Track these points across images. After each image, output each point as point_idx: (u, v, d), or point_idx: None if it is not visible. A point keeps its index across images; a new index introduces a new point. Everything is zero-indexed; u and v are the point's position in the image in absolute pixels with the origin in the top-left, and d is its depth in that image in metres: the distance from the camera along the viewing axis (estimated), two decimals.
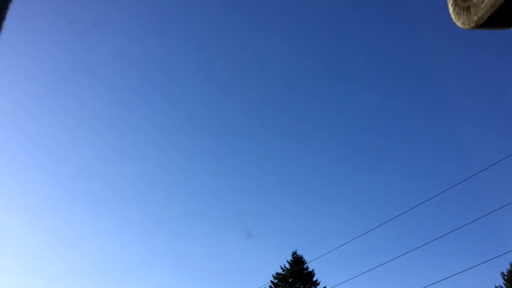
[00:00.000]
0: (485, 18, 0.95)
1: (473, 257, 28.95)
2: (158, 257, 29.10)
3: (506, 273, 25.12)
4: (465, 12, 1.00)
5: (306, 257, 27.19)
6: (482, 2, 0.94)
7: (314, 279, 26.78)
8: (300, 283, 26.72)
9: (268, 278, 27.12)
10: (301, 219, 34.19)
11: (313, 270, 26.90)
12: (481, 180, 19.81)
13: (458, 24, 1.04)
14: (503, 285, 25.10)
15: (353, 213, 33.91)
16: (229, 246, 33.67)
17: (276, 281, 27.00)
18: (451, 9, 1.06)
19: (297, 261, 27.17)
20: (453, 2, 1.04)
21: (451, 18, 1.04)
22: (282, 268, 27.21)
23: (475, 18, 0.97)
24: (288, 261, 27.27)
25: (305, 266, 27.03)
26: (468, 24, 1.00)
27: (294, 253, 27.42)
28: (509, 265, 25.05)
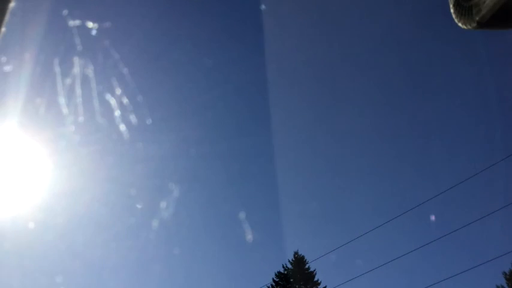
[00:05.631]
0: (487, 18, 0.94)
1: (474, 257, 28.91)
2: (158, 257, 29.08)
3: (508, 273, 25.10)
4: (467, 12, 0.99)
5: (307, 257, 27.27)
6: (484, 2, 0.93)
7: (315, 279, 26.81)
8: (302, 283, 26.75)
9: (271, 277, 27.18)
10: (302, 218, 34.16)
11: (314, 270, 26.94)
12: (482, 180, 19.78)
13: (460, 24, 1.04)
14: (504, 285, 25.08)
15: (355, 213, 33.87)
16: (230, 247, 33.66)
17: (277, 280, 27.05)
18: (452, 10, 1.05)
19: (299, 261, 27.20)
20: (455, 2, 1.04)
21: (453, 19, 1.04)
22: (283, 267, 27.27)
23: (477, 18, 0.96)
24: (289, 261, 27.33)
25: (306, 266, 27.07)
26: (470, 25, 0.99)
27: (296, 253, 27.48)
28: (511, 264, 25.05)
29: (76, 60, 7.40)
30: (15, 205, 11.11)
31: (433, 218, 18.07)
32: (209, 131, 30.81)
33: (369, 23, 26.93)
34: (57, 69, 7.30)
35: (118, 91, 9.06)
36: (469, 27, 1.00)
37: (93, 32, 7.56)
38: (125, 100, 9.31)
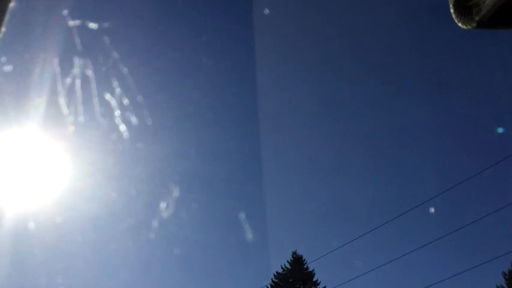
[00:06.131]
0: (487, 18, 0.94)
1: (474, 257, 28.92)
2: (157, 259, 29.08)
3: (507, 273, 25.10)
4: (467, 12, 0.99)
5: (306, 257, 27.27)
6: (484, 2, 0.93)
7: (314, 279, 26.81)
8: (301, 283, 26.75)
9: (270, 278, 27.18)
10: (302, 218, 34.18)
11: (313, 270, 26.95)
12: (482, 180, 19.79)
13: (460, 24, 1.04)
14: (504, 285, 25.09)
15: (354, 213, 33.89)
16: (229, 247, 33.66)
17: (276, 280, 27.04)
18: (452, 10, 1.05)
19: (297, 261, 27.20)
20: (455, 2, 1.04)
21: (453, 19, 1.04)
22: (282, 268, 27.26)
23: (477, 18, 0.96)
24: (288, 261, 27.32)
25: (305, 266, 27.07)
26: (470, 25, 0.99)
27: (294, 253, 27.47)
28: (510, 265, 25.06)
29: (76, 60, 7.40)
30: (14, 205, 11.11)
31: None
32: (209, 131, 30.79)
33: (368, 23, 26.94)
34: (57, 69, 7.30)
35: (118, 91, 9.06)
36: (469, 27, 1.00)
37: (93, 32, 7.56)
38: (125, 100, 9.31)
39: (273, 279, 27.04)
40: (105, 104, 9.20)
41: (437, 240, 18.56)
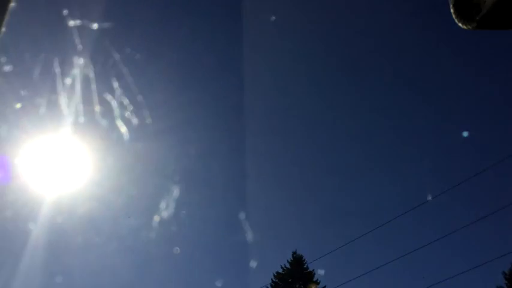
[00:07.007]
0: (487, 18, 0.94)
1: (475, 257, 28.91)
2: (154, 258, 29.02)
3: (508, 273, 25.09)
4: (467, 12, 0.99)
5: (306, 257, 27.24)
6: (484, 1, 0.93)
7: (314, 279, 26.79)
8: (300, 283, 26.73)
9: (269, 278, 27.16)
10: (302, 218, 34.17)
11: (313, 270, 26.93)
12: (482, 180, 19.79)
13: (460, 24, 1.04)
14: (504, 285, 25.08)
15: (355, 212, 33.88)
16: (230, 247, 33.64)
17: (276, 280, 27.02)
18: (452, 10, 1.05)
19: (297, 261, 27.18)
20: (455, 2, 1.03)
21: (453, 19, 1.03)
22: (282, 268, 27.24)
23: (477, 18, 0.96)
24: (288, 261, 27.30)
25: (305, 266, 27.05)
26: (470, 25, 0.99)
27: (294, 253, 27.45)
28: (511, 264, 25.04)
29: (76, 60, 7.40)
30: (13, 206, 11.11)
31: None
32: (210, 130, 30.75)
33: (365, 22, 26.95)
34: (57, 69, 7.30)
35: (118, 91, 9.06)
36: (469, 27, 1.00)
37: (93, 32, 7.57)
38: (125, 100, 9.31)
39: (273, 279, 27.02)
40: (105, 104, 9.20)
41: (437, 240, 18.56)
